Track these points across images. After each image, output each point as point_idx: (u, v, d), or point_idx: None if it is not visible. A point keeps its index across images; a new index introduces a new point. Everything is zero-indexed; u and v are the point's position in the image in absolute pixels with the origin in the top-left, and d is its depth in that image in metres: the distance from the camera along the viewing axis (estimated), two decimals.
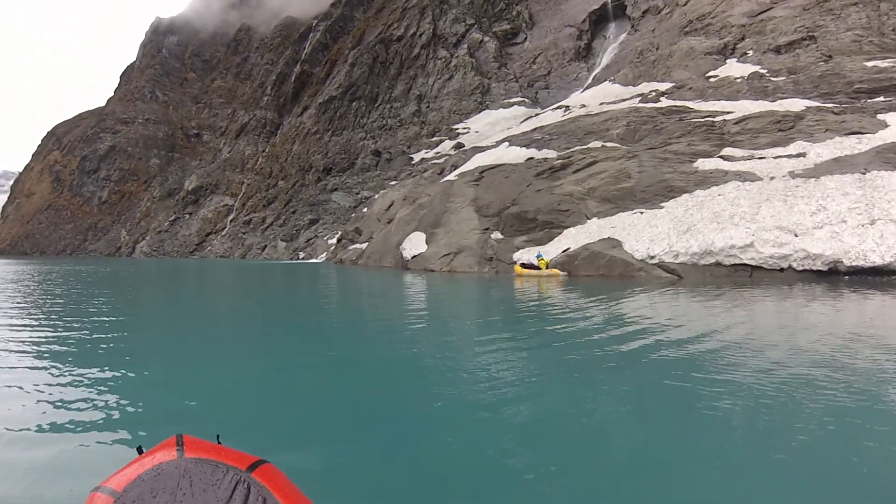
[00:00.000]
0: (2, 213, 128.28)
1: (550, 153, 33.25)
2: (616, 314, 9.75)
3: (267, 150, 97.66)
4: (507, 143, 41.86)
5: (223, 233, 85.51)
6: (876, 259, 15.04)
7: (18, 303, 13.61)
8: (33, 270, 34.17)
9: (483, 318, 10.70)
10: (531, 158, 33.21)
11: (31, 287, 19.24)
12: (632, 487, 2.95)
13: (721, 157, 25.11)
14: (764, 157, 23.86)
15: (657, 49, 53.92)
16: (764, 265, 16.93)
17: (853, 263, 15.37)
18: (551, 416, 4.20)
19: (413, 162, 70.90)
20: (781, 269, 16.67)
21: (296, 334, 9.27)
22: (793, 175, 20.94)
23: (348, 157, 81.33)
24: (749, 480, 2.92)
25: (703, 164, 24.68)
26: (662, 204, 22.62)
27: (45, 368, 5.89)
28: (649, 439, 3.63)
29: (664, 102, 38.52)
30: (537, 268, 21.17)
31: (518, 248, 24.60)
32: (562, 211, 25.36)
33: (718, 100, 36.13)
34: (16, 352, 6.86)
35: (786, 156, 23.28)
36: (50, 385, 5.15)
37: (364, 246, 39.52)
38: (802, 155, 22.80)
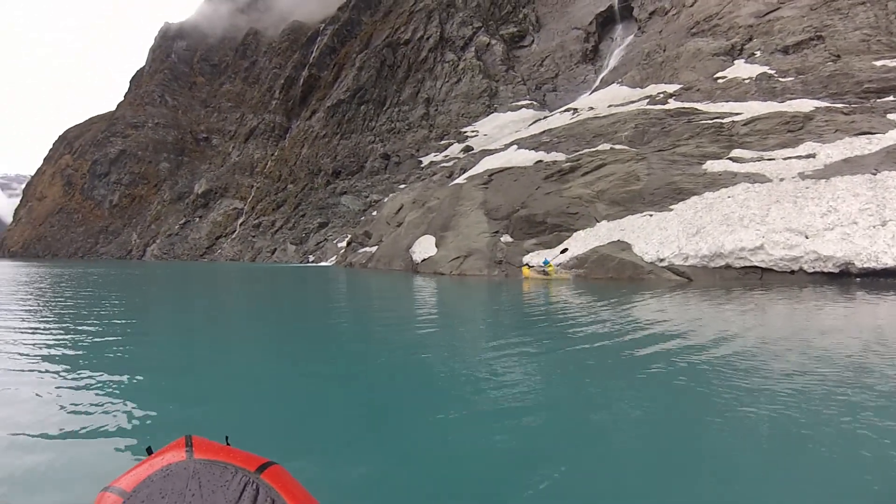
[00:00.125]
0: (14, 217, 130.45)
1: (559, 156, 33.37)
2: (627, 319, 9.73)
3: (276, 153, 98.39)
4: (515, 146, 42.04)
5: (233, 236, 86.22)
6: (888, 261, 14.99)
7: (31, 306, 13.89)
8: (45, 273, 34.58)
9: (494, 322, 10.75)
10: (540, 161, 33.36)
11: (44, 290, 19.59)
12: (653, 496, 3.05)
13: (730, 158, 25.11)
14: (773, 159, 23.84)
15: (664, 51, 53.86)
16: (774, 267, 16.92)
17: (865, 265, 15.33)
18: (567, 424, 4.19)
19: (422, 165, 71.29)
20: (792, 272, 16.66)
21: (307, 338, 9.32)
22: (802, 176, 20.92)
23: (357, 161, 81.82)
24: (768, 488, 2.99)
25: (712, 165, 24.70)
26: (671, 206, 22.67)
27: (57, 371, 5.98)
28: (665, 446, 3.71)
29: (672, 104, 38.54)
30: (546, 271, 21.30)
31: (527, 251, 24.73)
32: (571, 214, 25.47)
33: (727, 101, 36.10)
34: (28, 355, 6.97)
35: (795, 157, 23.25)
36: (62, 388, 5.25)
37: (374, 249, 39.75)
38: (812, 156, 22.77)
